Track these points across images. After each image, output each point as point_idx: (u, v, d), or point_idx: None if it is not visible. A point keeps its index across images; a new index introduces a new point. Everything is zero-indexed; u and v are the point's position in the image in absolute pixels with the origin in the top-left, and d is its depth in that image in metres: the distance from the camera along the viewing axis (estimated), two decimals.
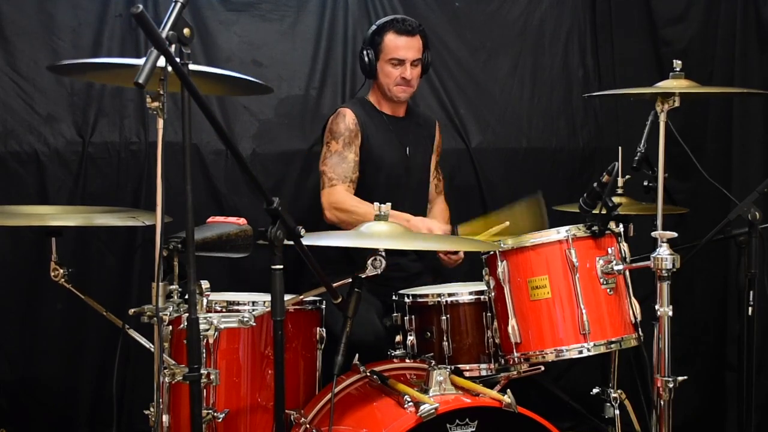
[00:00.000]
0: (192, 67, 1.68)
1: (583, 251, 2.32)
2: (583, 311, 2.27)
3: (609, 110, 3.69)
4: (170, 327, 2.01)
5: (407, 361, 2.50)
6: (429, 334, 2.50)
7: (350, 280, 2.14)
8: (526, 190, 3.57)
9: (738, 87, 3.31)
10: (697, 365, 3.40)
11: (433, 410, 1.99)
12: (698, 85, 2.53)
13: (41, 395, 3.15)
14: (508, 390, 2.12)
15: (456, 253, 2.88)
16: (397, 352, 2.55)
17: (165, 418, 1.91)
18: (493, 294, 2.42)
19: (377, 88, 3.03)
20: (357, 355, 2.44)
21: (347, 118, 2.92)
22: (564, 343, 2.30)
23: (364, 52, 2.97)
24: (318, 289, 2.17)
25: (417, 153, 3.05)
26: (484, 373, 2.46)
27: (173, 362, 1.89)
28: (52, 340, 3.14)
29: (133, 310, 1.92)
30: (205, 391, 2.16)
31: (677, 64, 2.53)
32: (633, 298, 2.37)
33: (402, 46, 2.92)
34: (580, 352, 2.28)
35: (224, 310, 2.31)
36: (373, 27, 2.97)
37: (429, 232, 2.75)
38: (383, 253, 2.11)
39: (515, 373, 2.40)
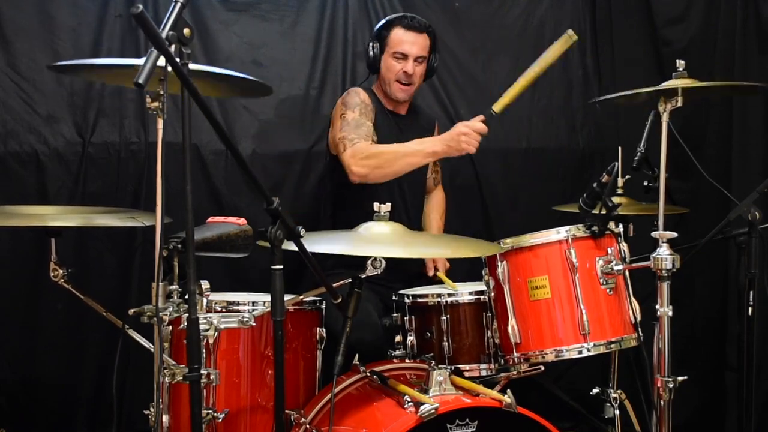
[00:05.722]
0: (192, 66, 1.68)
1: (583, 251, 2.32)
2: (583, 311, 2.27)
3: (609, 110, 3.69)
4: (170, 327, 2.01)
5: (407, 361, 2.50)
6: (429, 334, 2.50)
7: (350, 280, 2.14)
8: (526, 190, 3.60)
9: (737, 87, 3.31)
10: (697, 365, 3.39)
11: (433, 410, 1.98)
12: (701, 82, 2.51)
13: (41, 395, 3.15)
14: (508, 390, 2.11)
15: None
16: (397, 352, 2.55)
17: (165, 418, 1.91)
18: (493, 294, 2.42)
19: (380, 84, 3.03)
20: (357, 355, 2.44)
21: (361, 94, 2.93)
22: (564, 344, 2.30)
23: (370, 45, 2.97)
24: (318, 289, 2.17)
25: None
26: (484, 373, 2.46)
27: (173, 362, 1.89)
28: (52, 340, 3.14)
29: (133, 310, 1.92)
30: (205, 391, 2.17)
31: (680, 63, 2.51)
32: (633, 298, 2.37)
33: (407, 41, 2.92)
34: (580, 352, 2.28)
35: (224, 310, 2.31)
36: (382, 21, 2.99)
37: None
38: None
39: (515, 373, 2.40)
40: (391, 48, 2.93)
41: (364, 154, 2.73)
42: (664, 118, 2.41)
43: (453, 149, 2.69)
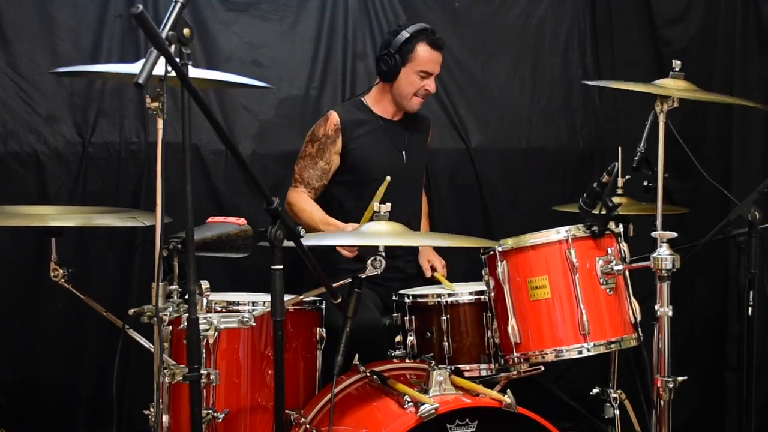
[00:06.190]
0: (192, 72, 1.68)
1: (583, 251, 2.32)
2: (583, 311, 2.27)
3: (609, 110, 3.69)
4: (170, 327, 2.01)
5: (407, 361, 2.50)
6: (429, 334, 2.50)
7: (350, 280, 2.14)
8: (526, 190, 3.60)
9: (738, 87, 3.32)
10: (697, 365, 3.40)
11: (433, 410, 1.99)
12: (697, 89, 2.52)
13: (41, 395, 3.15)
14: (508, 390, 2.12)
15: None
16: (397, 352, 2.55)
17: (165, 418, 1.92)
18: (493, 294, 2.42)
19: (384, 91, 3.01)
20: (357, 355, 2.44)
21: (328, 123, 2.93)
22: (564, 344, 2.30)
23: (388, 56, 2.92)
24: (318, 289, 2.17)
25: (413, 157, 3.05)
26: (484, 373, 2.46)
27: (173, 362, 1.89)
28: (52, 340, 3.15)
29: (133, 310, 1.92)
30: (205, 391, 2.17)
31: (676, 64, 2.52)
32: (633, 298, 2.36)
33: (435, 61, 2.94)
34: (580, 352, 2.28)
35: (224, 310, 2.31)
36: (405, 34, 2.90)
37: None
38: (383, 253, 2.11)
39: (515, 373, 2.40)
40: (417, 65, 2.91)
41: (291, 208, 2.93)
42: (661, 118, 2.41)
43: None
